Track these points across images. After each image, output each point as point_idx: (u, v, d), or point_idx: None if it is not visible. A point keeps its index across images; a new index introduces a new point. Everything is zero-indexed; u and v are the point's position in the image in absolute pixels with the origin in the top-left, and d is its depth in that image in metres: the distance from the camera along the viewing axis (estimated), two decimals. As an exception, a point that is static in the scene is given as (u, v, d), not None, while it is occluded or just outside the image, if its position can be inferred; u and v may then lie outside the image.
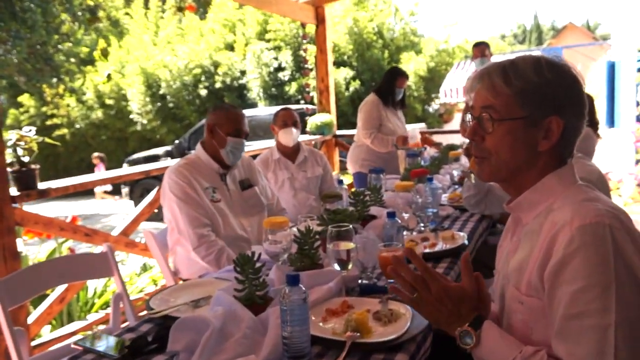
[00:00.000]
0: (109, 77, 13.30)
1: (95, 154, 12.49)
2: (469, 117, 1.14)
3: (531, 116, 1.04)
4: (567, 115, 1.05)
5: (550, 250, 0.98)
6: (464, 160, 3.57)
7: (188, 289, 1.63)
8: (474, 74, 1.14)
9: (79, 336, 3.10)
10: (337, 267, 1.54)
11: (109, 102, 15.37)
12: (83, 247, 5.15)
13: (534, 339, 1.04)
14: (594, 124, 3.37)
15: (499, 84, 1.06)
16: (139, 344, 1.23)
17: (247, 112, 10.17)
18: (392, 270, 1.10)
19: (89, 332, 3.17)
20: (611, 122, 9.33)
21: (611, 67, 9.53)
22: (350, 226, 1.56)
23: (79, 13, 12.54)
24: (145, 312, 1.51)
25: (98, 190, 11.96)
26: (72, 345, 1.25)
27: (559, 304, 0.94)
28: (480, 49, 4.79)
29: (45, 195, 2.82)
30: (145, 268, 4.24)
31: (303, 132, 6.65)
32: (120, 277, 2.09)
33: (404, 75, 4.33)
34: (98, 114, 15.47)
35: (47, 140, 2.85)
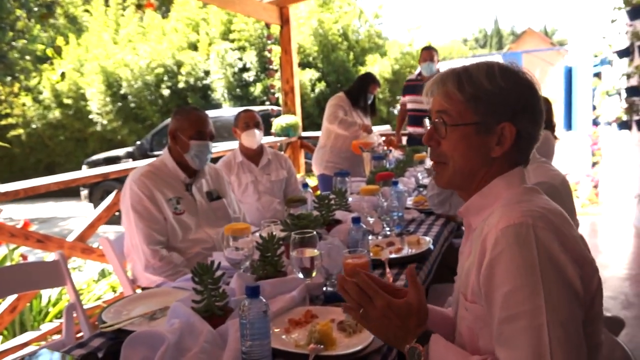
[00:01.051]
0: (62, 75, 12.79)
1: None
2: (427, 121, 1.14)
3: (483, 122, 1.05)
4: (520, 123, 1.05)
5: (483, 255, 0.97)
6: (429, 162, 3.58)
7: (144, 299, 1.55)
8: (431, 79, 1.13)
9: (31, 347, 2.95)
10: (300, 275, 1.49)
11: (67, 101, 14.86)
12: (40, 253, 4.94)
13: (480, 345, 1.02)
14: (551, 126, 3.46)
15: (452, 90, 1.07)
16: (88, 361, 1.15)
17: (212, 113, 9.99)
18: (339, 288, 1.06)
19: (42, 343, 3.02)
20: (569, 125, 9.64)
21: (568, 72, 9.85)
22: (314, 232, 1.52)
23: (35, 9, 12.06)
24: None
25: None
26: (15, 365, 1.16)
27: (494, 309, 0.94)
28: (429, 53, 4.88)
29: (-8, 200, 2.67)
30: (103, 274, 4.08)
31: (268, 133, 6.59)
32: (73, 286, 1.99)
33: (376, 83, 4.43)
34: (55, 113, 14.93)
35: (-5, 142, 2.69)
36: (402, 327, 1.01)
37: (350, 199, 2.63)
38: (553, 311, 0.88)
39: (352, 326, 1.29)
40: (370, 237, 2.20)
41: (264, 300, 1.07)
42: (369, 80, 4.38)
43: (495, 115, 1.04)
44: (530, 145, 1.09)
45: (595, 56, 7.00)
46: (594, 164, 7.20)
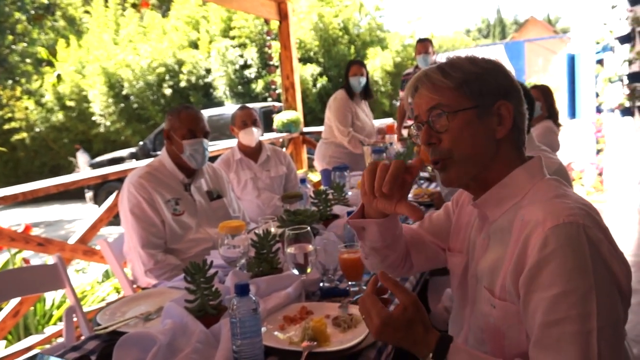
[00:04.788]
0: (59, 77, 12.84)
1: None
2: (414, 128, 1.10)
3: (480, 104, 1.02)
4: (512, 100, 1.05)
5: (524, 253, 0.93)
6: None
7: (140, 300, 1.54)
8: (410, 82, 1.10)
9: (36, 351, 2.96)
10: (295, 271, 1.48)
11: (70, 103, 14.92)
12: (44, 257, 4.95)
13: (506, 344, 1.00)
14: (553, 115, 3.42)
15: (438, 79, 1.03)
16: (81, 364, 1.15)
17: (214, 111, 10.00)
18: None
19: (46, 346, 3.04)
20: (572, 113, 9.58)
21: (571, 60, 9.78)
22: (308, 228, 1.50)
23: (32, 12, 12.09)
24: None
25: None
26: (9, 369, 1.16)
27: (535, 311, 0.90)
28: (424, 46, 4.78)
29: (-9, 204, 2.67)
30: (107, 275, 4.09)
31: (270, 129, 6.58)
32: (72, 289, 1.98)
33: (355, 63, 4.20)
34: (59, 116, 15.00)
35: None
36: (408, 337, 0.94)
37: (349, 193, 2.62)
38: (604, 315, 0.85)
39: (347, 321, 1.28)
40: (369, 231, 2.20)
41: (254, 297, 1.05)
42: (348, 65, 4.21)
43: (489, 96, 1.03)
44: (524, 124, 1.08)
45: (597, 43, 6.93)
46: (598, 151, 7.14)
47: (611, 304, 0.87)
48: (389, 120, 8.58)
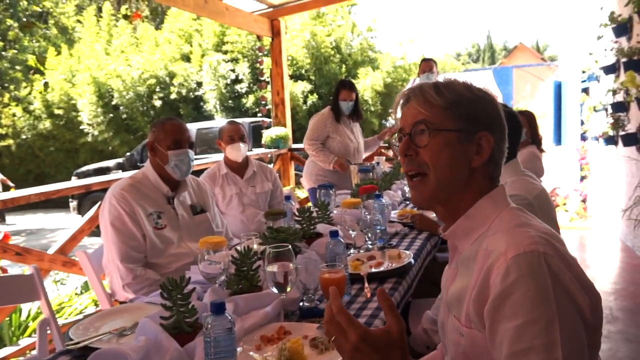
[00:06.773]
0: (46, 85, 12.73)
1: None
2: (395, 139, 1.11)
3: (464, 129, 1.04)
4: (496, 134, 1.06)
5: (487, 282, 0.93)
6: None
7: (115, 315, 1.51)
8: (400, 95, 1.11)
9: (8, 363, 2.89)
10: (274, 290, 1.47)
11: (58, 112, 14.81)
12: (24, 266, 4.86)
13: None
14: (536, 141, 3.47)
15: (431, 95, 1.05)
16: (50, 380, 1.12)
17: (204, 125, 10.00)
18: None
19: (20, 358, 2.96)
20: (558, 140, 9.70)
21: (558, 87, 9.93)
22: (289, 246, 1.49)
23: (24, 19, 12.04)
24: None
25: None
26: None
27: (501, 341, 0.90)
28: (429, 65, 4.78)
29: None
30: (87, 287, 4.02)
31: (259, 145, 6.58)
32: (47, 301, 1.95)
33: (346, 87, 4.11)
34: (46, 124, 14.87)
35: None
36: None
37: (334, 212, 2.61)
38: (568, 343, 0.85)
39: (325, 343, 1.26)
40: (352, 250, 2.19)
41: (230, 317, 1.04)
42: (339, 87, 4.14)
43: (474, 124, 1.04)
44: (501, 160, 1.09)
45: (583, 72, 7.06)
46: (583, 178, 7.23)
47: (575, 332, 0.87)
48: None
